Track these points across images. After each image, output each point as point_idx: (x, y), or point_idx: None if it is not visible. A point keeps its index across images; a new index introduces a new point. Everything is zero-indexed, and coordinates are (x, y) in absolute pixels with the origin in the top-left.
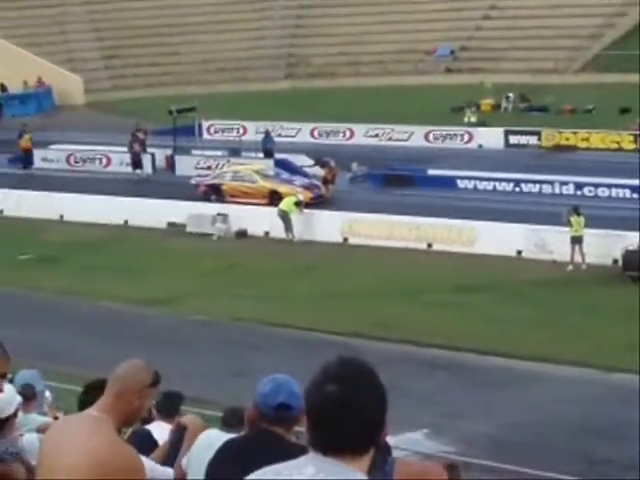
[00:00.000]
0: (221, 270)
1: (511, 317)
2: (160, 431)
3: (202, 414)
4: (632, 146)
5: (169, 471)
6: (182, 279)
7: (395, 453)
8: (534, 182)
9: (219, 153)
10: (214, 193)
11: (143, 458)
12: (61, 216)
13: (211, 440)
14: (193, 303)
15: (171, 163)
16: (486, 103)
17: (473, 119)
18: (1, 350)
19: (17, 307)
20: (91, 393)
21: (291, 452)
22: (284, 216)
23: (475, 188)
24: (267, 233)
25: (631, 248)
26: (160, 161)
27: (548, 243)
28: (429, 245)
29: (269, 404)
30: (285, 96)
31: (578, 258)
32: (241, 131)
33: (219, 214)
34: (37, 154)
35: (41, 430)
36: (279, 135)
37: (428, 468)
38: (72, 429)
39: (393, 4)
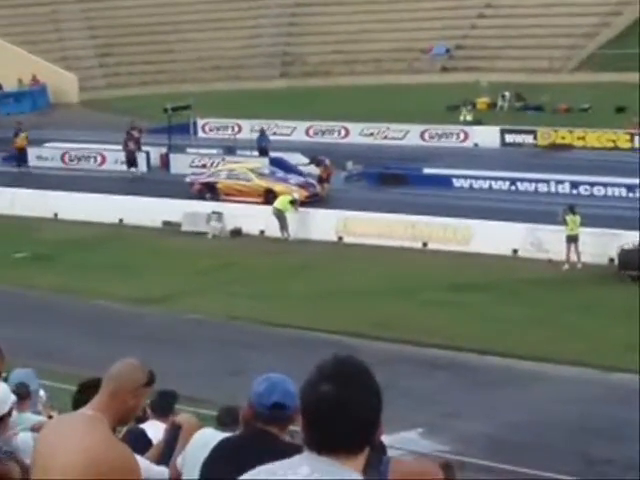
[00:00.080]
0: (216, 269)
1: (508, 316)
2: (154, 430)
3: (197, 413)
4: (628, 145)
5: (164, 470)
6: (177, 278)
7: (390, 452)
8: (530, 181)
9: (214, 151)
10: (209, 191)
11: (138, 457)
12: (55, 214)
13: (206, 439)
14: (188, 302)
15: (166, 161)
16: (482, 102)
17: (469, 118)
18: None
19: (11, 305)
20: (85, 392)
21: (286, 451)
22: (279, 215)
23: (471, 187)
24: (262, 232)
25: (627, 247)
26: (155, 159)
27: (544, 242)
28: (424, 244)
29: (264, 403)
30: (280, 94)
31: (574, 257)
32: (236, 129)
33: (214, 212)
34: (32, 152)
35: (35, 429)
36: (274, 133)
37: (423, 467)
38: (66, 428)
39: (389, 3)
